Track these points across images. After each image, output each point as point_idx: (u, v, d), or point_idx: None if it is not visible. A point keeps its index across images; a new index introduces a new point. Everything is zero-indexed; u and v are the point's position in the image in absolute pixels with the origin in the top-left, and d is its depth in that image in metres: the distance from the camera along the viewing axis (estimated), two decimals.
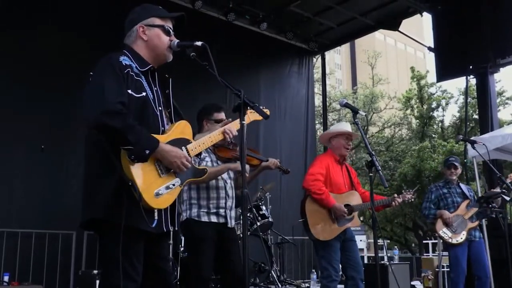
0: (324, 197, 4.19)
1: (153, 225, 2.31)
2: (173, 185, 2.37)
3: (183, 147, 2.43)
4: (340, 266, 4.35)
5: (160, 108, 2.43)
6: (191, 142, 2.50)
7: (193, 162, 2.51)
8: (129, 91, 2.28)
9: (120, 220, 2.17)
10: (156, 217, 2.34)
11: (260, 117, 2.71)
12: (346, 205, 4.27)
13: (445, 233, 5.45)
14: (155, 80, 2.47)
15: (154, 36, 2.44)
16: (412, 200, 4.44)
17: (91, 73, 2.32)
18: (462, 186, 5.74)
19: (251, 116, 3.01)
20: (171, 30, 2.48)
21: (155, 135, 2.31)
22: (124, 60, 2.34)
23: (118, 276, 2.18)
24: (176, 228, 2.52)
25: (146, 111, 2.35)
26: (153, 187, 2.27)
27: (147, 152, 2.21)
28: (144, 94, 2.34)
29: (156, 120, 2.40)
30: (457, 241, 5.39)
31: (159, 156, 2.28)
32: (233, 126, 2.94)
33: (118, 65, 2.30)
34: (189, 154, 2.45)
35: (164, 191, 2.31)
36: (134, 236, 2.28)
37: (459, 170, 5.76)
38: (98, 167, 2.27)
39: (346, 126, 4.58)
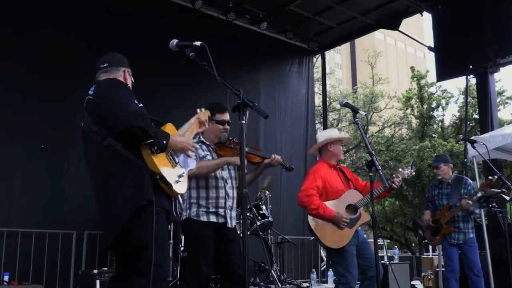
0: (320, 211, 4.15)
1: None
2: (184, 173, 2.81)
3: None
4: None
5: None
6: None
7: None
8: (135, 101, 2.78)
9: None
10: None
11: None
12: (349, 205, 4.26)
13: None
14: None
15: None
16: (412, 174, 4.40)
17: (91, 97, 2.74)
18: (453, 184, 5.66)
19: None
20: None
21: None
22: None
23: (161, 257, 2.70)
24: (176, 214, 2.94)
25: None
26: (173, 176, 2.73)
27: (165, 142, 2.68)
28: (141, 105, 2.83)
29: None
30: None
31: (172, 145, 2.75)
32: (203, 115, 3.27)
33: (124, 84, 2.90)
34: None
35: (180, 178, 2.77)
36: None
37: (444, 168, 5.72)
38: (129, 173, 2.64)
39: (336, 132, 4.63)
